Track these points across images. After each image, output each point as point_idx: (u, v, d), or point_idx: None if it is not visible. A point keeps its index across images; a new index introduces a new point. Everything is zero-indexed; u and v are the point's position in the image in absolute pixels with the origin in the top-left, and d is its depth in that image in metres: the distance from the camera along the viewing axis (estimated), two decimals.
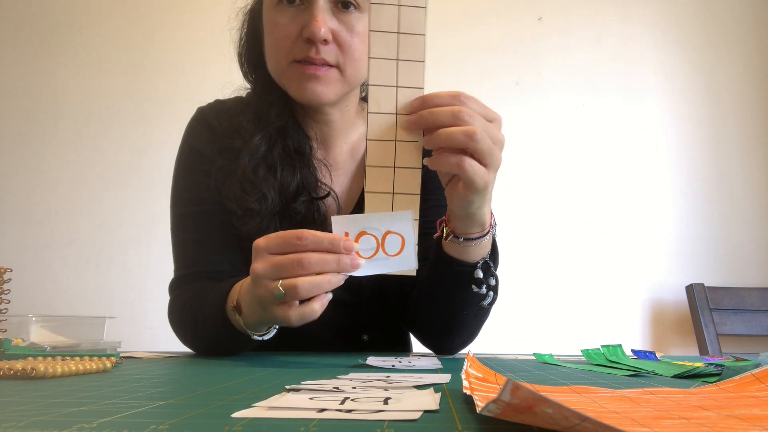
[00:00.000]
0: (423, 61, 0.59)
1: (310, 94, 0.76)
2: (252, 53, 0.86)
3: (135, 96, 2.13)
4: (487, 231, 0.68)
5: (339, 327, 0.88)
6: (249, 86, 0.90)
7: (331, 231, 0.82)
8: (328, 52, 0.74)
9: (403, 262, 0.58)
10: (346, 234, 0.58)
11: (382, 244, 0.58)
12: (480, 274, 0.70)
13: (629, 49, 2.13)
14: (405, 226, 0.58)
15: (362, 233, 0.58)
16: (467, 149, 0.58)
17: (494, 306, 0.76)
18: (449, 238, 0.68)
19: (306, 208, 0.81)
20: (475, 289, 0.70)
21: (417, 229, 0.58)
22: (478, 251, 0.69)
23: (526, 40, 2.13)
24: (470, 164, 0.58)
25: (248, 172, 0.78)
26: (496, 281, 0.73)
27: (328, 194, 0.83)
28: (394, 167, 0.58)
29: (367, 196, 0.58)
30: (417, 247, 0.58)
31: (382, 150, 0.58)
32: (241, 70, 0.89)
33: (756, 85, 2.11)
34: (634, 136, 2.09)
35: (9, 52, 2.17)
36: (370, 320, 0.89)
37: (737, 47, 2.12)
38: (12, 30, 2.18)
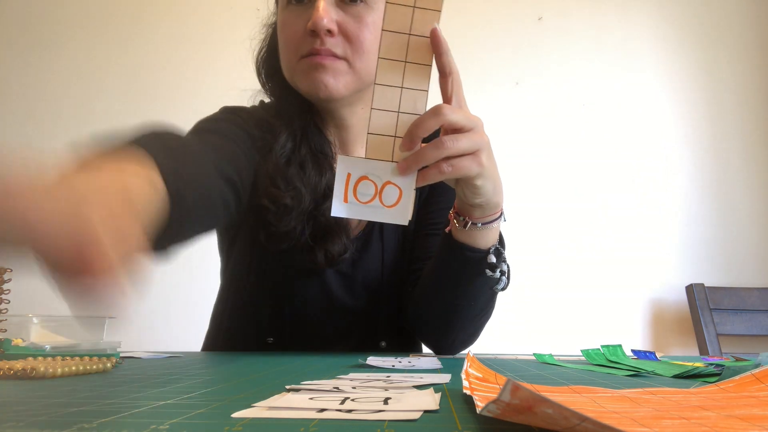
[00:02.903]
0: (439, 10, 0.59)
1: (319, 83, 0.75)
2: (270, 64, 0.87)
3: (135, 96, 2.13)
4: (501, 211, 0.69)
5: (358, 335, 0.88)
6: (266, 94, 0.90)
7: (345, 221, 0.82)
8: (335, 44, 0.74)
9: (397, 214, 0.59)
10: (349, 175, 0.58)
11: (380, 192, 0.59)
12: (493, 259, 0.70)
13: (629, 49, 2.13)
14: (406, 179, 0.58)
15: (364, 177, 0.58)
16: (448, 156, 0.58)
17: (503, 293, 0.76)
18: (468, 226, 0.68)
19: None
20: (489, 273, 0.71)
21: (415, 183, 0.59)
22: (491, 236, 0.70)
23: (526, 40, 2.14)
24: (449, 165, 0.58)
25: (281, 165, 0.78)
26: (508, 267, 0.73)
27: None
28: (398, 112, 0.58)
29: (369, 138, 0.59)
30: (414, 202, 0.59)
31: (387, 94, 0.59)
32: (259, 81, 0.90)
33: (756, 85, 2.11)
34: (634, 137, 2.09)
35: (9, 52, 2.17)
36: (388, 326, 0.89)
37: (737, 47, 2.12)
38: (12, 30, 2.18)
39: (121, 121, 2.22)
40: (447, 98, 0.61)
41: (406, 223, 0.59)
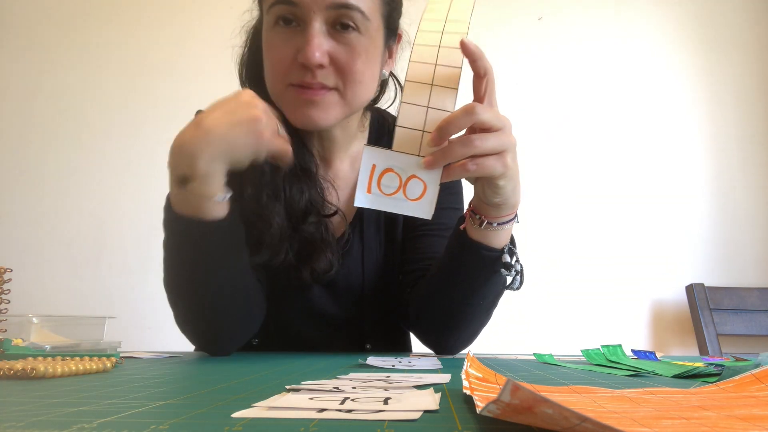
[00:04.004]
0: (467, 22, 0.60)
1: (307, 119, 0.73)
2: (252, 72, 0.84)
3: (135, 97, 2.13)
4: (516, 212, 0.69)
5: (342, 340, 0.88)
6: None
7: (330, 236, 0.81)
8: (326, 77, 0.71)
9: (420, 208, 0.59)
10: (374, 166, 0.58)
11: (404, 185, 0.59)
12: (508, 258, 0.70)
13: (629, 49, 2.13)
14: (431, 173, 0.58)
15: (388, 170, 0.59)
16: (474, 154, 0.59)
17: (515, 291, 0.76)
18: (484, 225, 0.68)
19: (315, 228, 0.79)
20: (505, 273, 0.71)
21: (440, 179, 0.59)
22: (506, 235, 0.70)
23: (526, 40, 2.14)
24: (474, 163, 0.59)
25: (252, 203, 0.76)
26: (521, 266, 0.74)
27: (336, 213, 0.82)
28: (428, 107, 0.59)
29: (397, 131, 0.59)
30: (437, 197, 0.59)
31: (418, 90, 0.59)
32: (241, 87, 0.87)
33: (756, 85, 2.11)
34: (634, 138, 2.09)
35: (9, 52, 2.17)
36: (373, 330, 0.89)
37: (738, 47, 2.12)
38: (13, 31, 2.18)
39: (121, 121, 2.22)
40: (479, 97, 0.62)
41: (429, 217, 0.59)
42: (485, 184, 0.63)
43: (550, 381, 0.46)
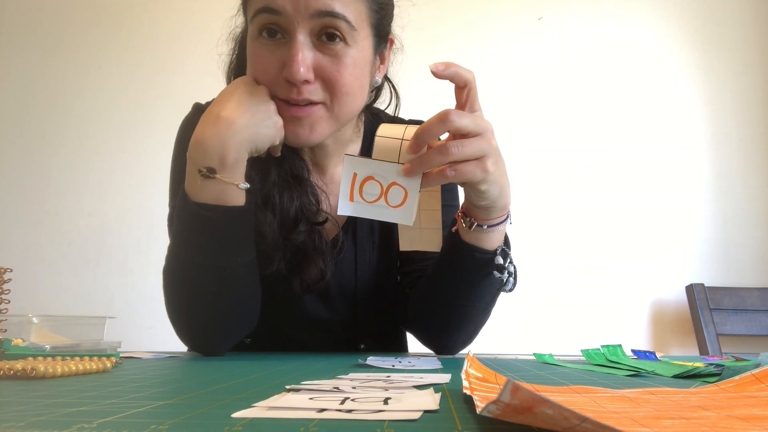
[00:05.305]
0: None
1: (293, 137, 0.71)
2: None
3: (135, 96, 2.13)
4: (507, 214, 0.69)
5: (335, 340, 0.88)
6: None
7: (323, 243, 0.81)
8: (312, 91, 0.68)
9: (402, 215, 0.60)
10: (354, 174, 0.59)
11: (385, 193, 0.60)
12: (500, 260, 0.70)
13: (629, 48, 2.13)
14: (411, 180, 0.59)
15: (369, 177, 0.60)
16: (452, 161, 0.59)
17: (512, 292, 0.77)
18: (473, 227, 0.68)
19: (306, 236, 0.78)
20: (497, 275, 0.71)
21: (419, 185, 0.60)
22: (498, 237, 0.70)
23: (526, 40, 2.14)
24: (452, 170, 0.59)
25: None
26: (515, 268, 0.74)
27: (327, 220, 0.80)
28: (407, 123, 0.62)
29: (376, 140, 0.60)
30: (418, 203, 0.60)
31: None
32: None
33: (756, 85, 2.11)
34: (634, 138, 2.09)
35: (9, 52, 2.17)
36: (367, 330, 0.89)
37: (738, 47, 2.12)
38: (13, 31, 2.18)
39: (121, 120, 2.22)
40: (461, 105, 0.62)
41: (411, 223, 0.60)
42: (469, 188, 0.64)
43: (550, 381, 0.46)
